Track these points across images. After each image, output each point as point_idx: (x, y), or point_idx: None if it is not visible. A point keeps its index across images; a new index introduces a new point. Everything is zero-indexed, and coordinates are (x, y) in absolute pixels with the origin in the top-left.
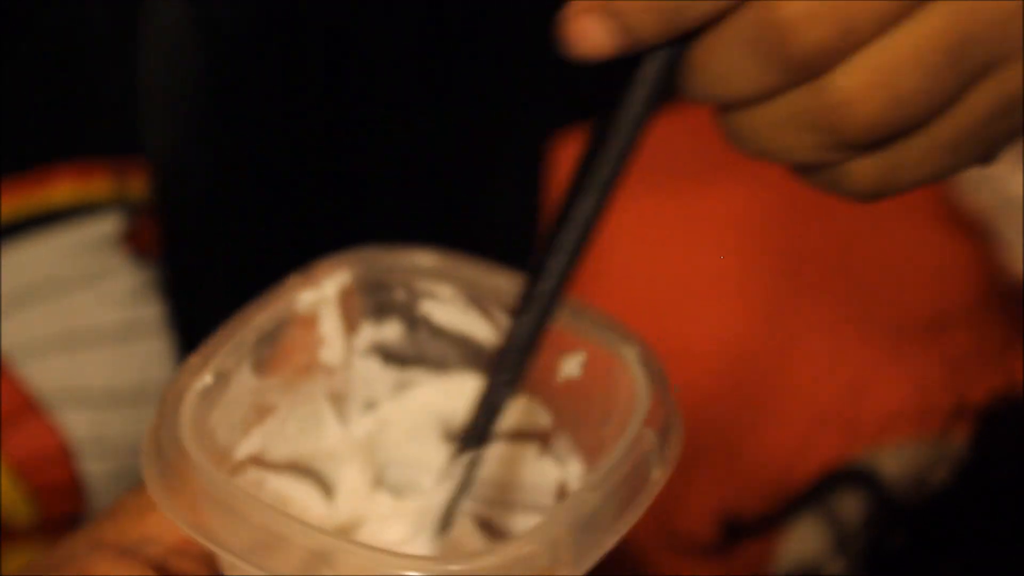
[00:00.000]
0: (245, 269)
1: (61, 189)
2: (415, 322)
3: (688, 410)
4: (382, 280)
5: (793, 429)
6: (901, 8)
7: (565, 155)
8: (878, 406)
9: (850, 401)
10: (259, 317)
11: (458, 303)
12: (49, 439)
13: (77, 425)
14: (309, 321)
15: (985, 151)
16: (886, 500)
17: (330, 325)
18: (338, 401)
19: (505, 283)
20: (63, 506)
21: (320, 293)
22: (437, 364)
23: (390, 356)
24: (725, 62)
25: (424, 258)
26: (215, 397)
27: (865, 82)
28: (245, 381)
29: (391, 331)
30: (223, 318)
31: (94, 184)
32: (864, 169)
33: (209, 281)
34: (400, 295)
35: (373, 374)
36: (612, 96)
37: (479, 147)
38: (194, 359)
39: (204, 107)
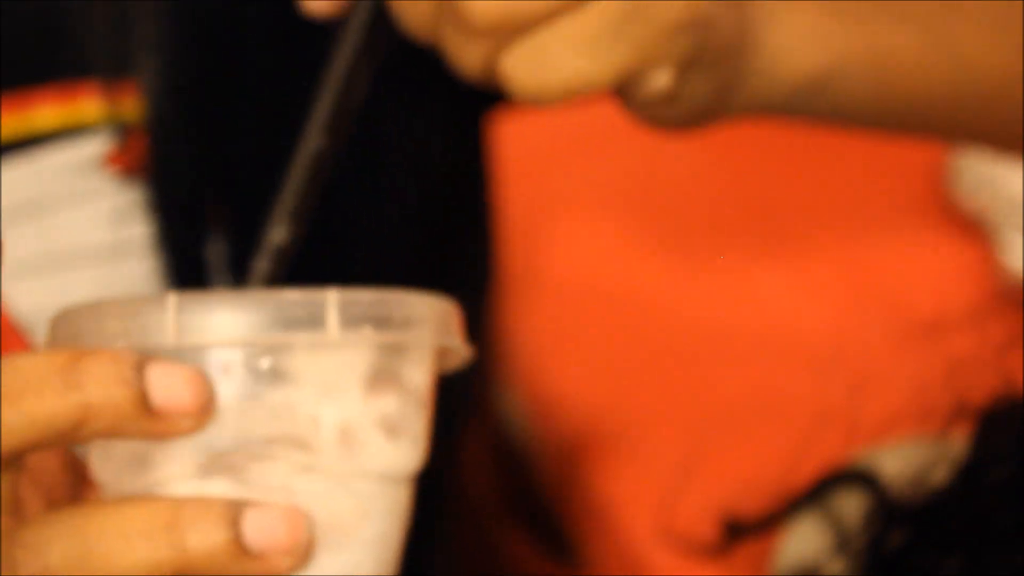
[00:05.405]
0: (235, 189)
1: (46, 111)
2: None
3: (688, 410)
4: None
5: (793, 429)
6: None
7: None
8: (878, 406)
9: (850, 401)
10: None
11: None
12: None
13: None
14: None
15: (634, 61)
16: (886, 500)
17: None
18: None
19: None
20: None
21: None
22: None
23: None
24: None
25: None
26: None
27: None
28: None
29: None
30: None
31: (82, 105)
32: (516, 65)
33: (198, 201)
34: None
35: None
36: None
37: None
38: None
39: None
